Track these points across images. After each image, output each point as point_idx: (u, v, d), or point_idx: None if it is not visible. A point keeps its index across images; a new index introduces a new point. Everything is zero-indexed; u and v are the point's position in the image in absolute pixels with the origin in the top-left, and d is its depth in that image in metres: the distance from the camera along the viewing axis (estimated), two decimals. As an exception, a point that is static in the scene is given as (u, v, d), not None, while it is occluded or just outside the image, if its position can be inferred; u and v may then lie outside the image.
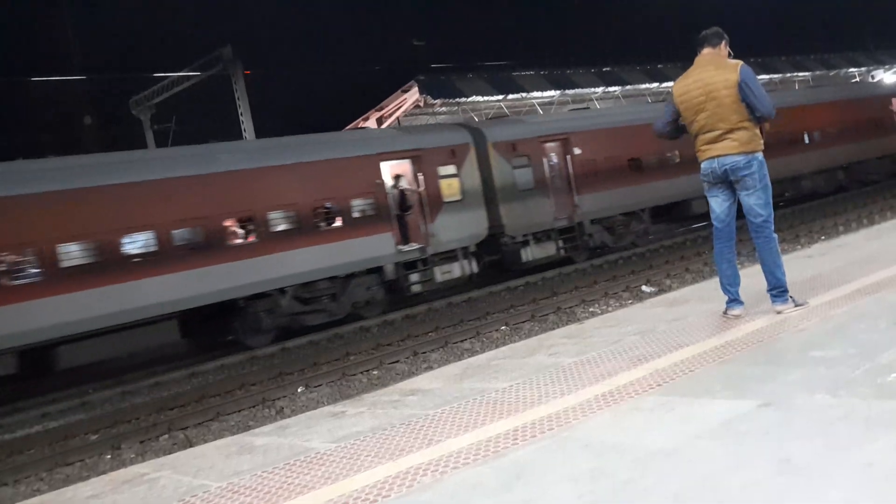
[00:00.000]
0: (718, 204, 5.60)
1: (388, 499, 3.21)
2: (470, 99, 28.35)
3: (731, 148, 5.36)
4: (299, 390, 12.02)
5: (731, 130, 5.35)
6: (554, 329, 9.93)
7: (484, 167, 19.52)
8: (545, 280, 19.27)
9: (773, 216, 5.45)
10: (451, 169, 18.87)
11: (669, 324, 5.77)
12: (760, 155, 5.42)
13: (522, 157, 20.22)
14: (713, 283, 6.36)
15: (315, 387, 12.13)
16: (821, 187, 27.58)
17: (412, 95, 27.40)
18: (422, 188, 18.37)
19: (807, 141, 27.82)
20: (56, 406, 13.09)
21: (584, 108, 27.60)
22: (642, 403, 3.87)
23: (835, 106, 28.96)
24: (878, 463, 2.64)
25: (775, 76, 36.65)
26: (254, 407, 11.52)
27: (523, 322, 14.39)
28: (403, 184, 18.27)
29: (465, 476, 3.30)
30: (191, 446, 8.34)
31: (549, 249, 20.34)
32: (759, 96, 5.28)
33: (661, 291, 14.47)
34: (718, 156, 5.42)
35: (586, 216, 21.06)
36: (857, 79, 40.46)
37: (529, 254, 19.91)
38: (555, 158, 20.93)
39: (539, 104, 30.60)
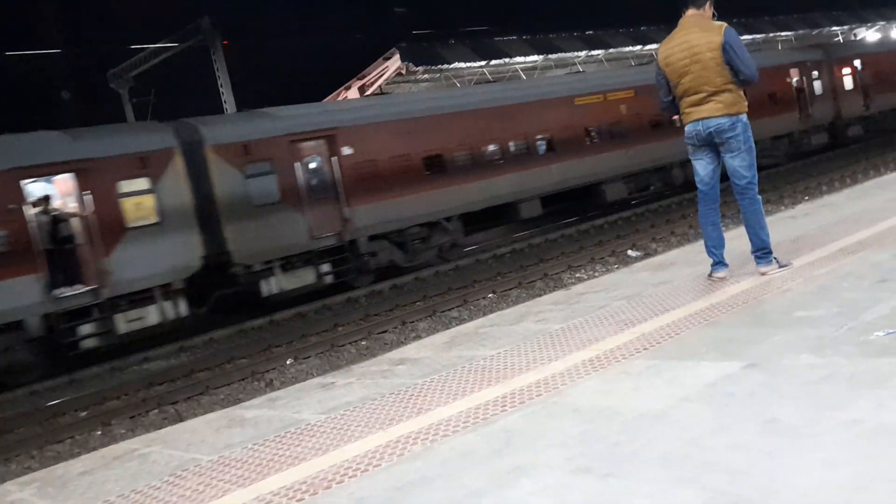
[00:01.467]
0: (703, 167, 5.60)
1: (379, 468, 3.23)
2: (452, 66, 28.13)
3: (715, 110, 5.36)
4: (288, 362, 12.04)
5: (715, 93, 5.34)
6: (541, 296, 9.98)
7: (198, 178, 15.08)
8: (532, 247, 19.30)
9: (757, 178, 5.46)
10: (140, 183, 14.38)
11: (655, 288, 5.80)
12: (745, 117, 5.42)
13: (261, 162, 15.81)
14: (698, 246, 6.39)
15: (304, 359, 12.16)
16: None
17: (394, 63, 27.16)
18: (88, 211, 13.77)
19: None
20: (45, 384, 13.06)
21: (373, 98, 22.93)
22: (630, 367, 3.90)
23: None
24: (863, 421, 2.67)
25: (758, 36, 36.54)
26: (243, 380, 11.55)
27: (510, 289, 14.44)
28: (57, 206, 14.15)
29: (456, 443, 3.33)
30: (181, 421, 8.36)
31: (305, 277, 16.14)
32: (742, 59, 5.26)
33: (646, 255, 14.53)
34: (703, 118, 5.41)
35: (362, 232, 16.94)
36: (840, 38, 40.38)
37: (275, 285, 15.66)
38: (314, 162, 16.73)
39: (522, 69, 30.41)
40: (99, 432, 10.21)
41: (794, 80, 27.33)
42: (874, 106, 29.81)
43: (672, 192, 23.95)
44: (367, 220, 17.04)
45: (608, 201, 21.80)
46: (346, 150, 16.92)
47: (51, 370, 13.41)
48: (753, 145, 5.48)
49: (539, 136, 20.74)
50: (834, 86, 28.58)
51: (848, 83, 29.05)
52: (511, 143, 20.11)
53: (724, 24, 5.33)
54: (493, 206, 19.53)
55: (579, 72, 28.77)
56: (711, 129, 5.39)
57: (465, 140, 19.08)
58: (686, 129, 5.56)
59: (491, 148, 19.75)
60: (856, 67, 29.56)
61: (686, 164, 21.32)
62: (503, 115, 19.75)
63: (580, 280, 13.35)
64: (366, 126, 17.45)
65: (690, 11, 5.50)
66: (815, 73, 28.01)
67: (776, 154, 26.14)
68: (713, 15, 5.53)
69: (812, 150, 27.80)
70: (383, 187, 17.31)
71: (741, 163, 5.40)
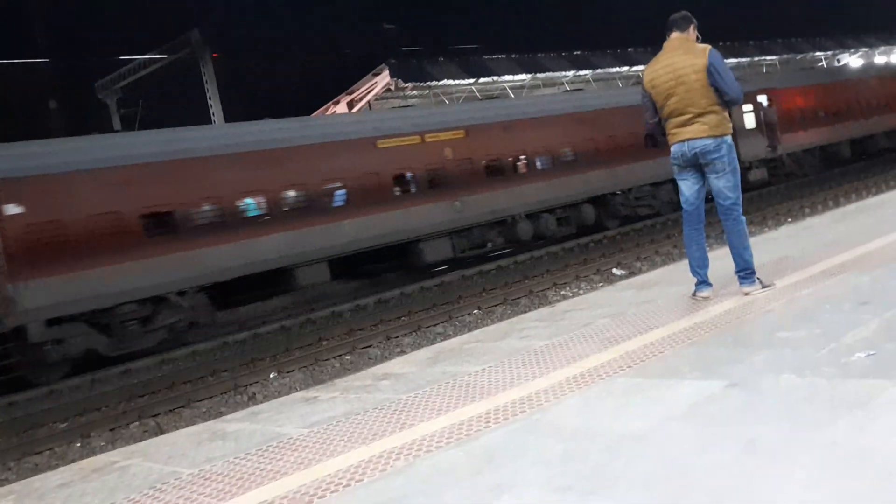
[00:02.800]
0: (688, 187, 5.66)
1: (361, 483, 3.22)
2: (441, 83, 28.26)
3: (700, 131, 5.42)
4: (271, 376, 11.97)
5: (700, 114, 5.40)
6: (526, 312, 9.97)
7: None
8: (517, 264, 19.34)
9: (741, 199, 5.53)
10: None
11: (639, 306, 5.83)
12: (729, 138, 5.49)
13: None
14: (682, 266, 6.43)
15: (287, 372, 12.10)
16: (555, 232, 21.07)
17: (383, 79, 27.27)
18: None
19: (531, 167, 20.96)
20: (23, 395, 12.90)
21: (72, 140, 15.94)
22: (612, 386, 3.91)
23: (564, 121, 21.92)
24: (842, 442, 2.69)
25: (743, 60, 36.98)
26: (225, 393, 11.46)
27: (495, 306, 14.44)
28: None
29: (438, 460, 3.32)
30: (162, 433, 8.30)
31: None
32: (727, 81, 5.34)
33: (631, 274, 14.59)
34: (688, 139, 5.47)
35: (35, 314, 13.01)
36: (824, 63, 40.94)
37: None
38: None
39: (510, 88, 30.60)
40: (78, 444, 10.09)
41: None
42: (783, 147, 26.85)
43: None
44: (46, 298, 13.06)
45: (428, 262, 18.51)
46: (16, 210, 13.06)
47: (30, 381, 13.26)
48: (738, 166, 5.55)
49: (325, 186, 17.04)
50: (734, 125, 27.64)
51: (749, 121, 25.77)
52: (284, 194, 16.48)
53: (709, 47, 5.41)
54: (259, 273, 15.82)
55: (400, 107, 24.24)
56: (696, 150, 5.45)
57: (210, 191, 15.30)
58: (672, 149, 5.63)
59: (253, 200, 16.01)
60: (759, 104, 26.58)
61: (536, 216, 20.09)
62: (271, 160, 16.15)
63: (565, 297, 13.38)
64: (50, 176, 13.54)
65: (675, 35, 5.58)
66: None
67: (654, 203, 23.24)
68: (697, 38, 5.61)
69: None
70: (76, 255, 13.44)
71: (726, 183, 5.47)
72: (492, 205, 19.43)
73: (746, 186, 24.66)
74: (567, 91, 28.02)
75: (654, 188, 23.23)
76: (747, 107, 25.66)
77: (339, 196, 17.31)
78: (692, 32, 5.58)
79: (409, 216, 18.04)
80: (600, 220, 22.24)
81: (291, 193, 16.68)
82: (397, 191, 18.36)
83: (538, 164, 21.08)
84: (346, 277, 18.54)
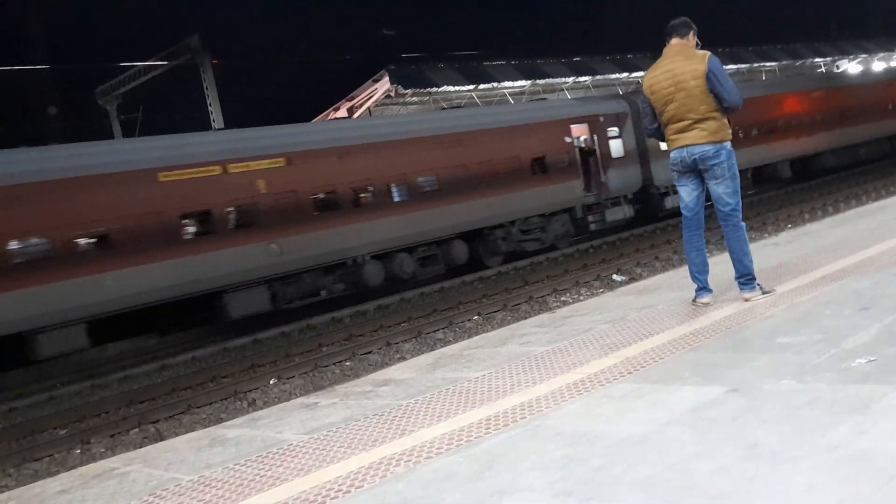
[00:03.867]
0: (688, 193, 5.66)
1: (362, 489, 3.22)
2: (441, 89, 28.30)
3: (700, 137, 5.43)
4: (271, 382, 11.96)
5: (699, 120, 5.41)
6: (526, 318, 10.00)
7: None
8: (517, 270, 19.34)
9: (741, 205, 5.53)
10: None
11: (640, 312, 5.83)
12: (729, 144, 5.50)
13: None
14: (682, 272, 6.43)
15: (287, 378, 12.08)
16: (417, 273, 18.41)
17: (383, 85, 27.28)
18: None
19: (378, 200, 17.79)
20: (23, 401, 12.89)
21: None
22: (613, 391, 3.91)
23: (424, 145, 18.72)
24: (842, 447, 2.69)
25: (742, 66, 37.03)
26: (225, 399, 11.45)
27: (495, 311, 14.44)
28: None
29: (438, 465, 3.32)
30: (162, 440, 8.29)
31: None
32: (726, 87, 5.35)
33: (631, 280, 14.60)
34: (687, 145, 5.48)
35: None
36: (823, 69, 40.99)
37: None
38: None
39: (510, 94, 30.64)
40: (78, 451, 10.07)
41: (580, 138, 21.92)
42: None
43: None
44: None
45: (238, 316, 15.49)
46: None
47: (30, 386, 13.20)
48: (738, 172, 5.55)
49: (78, 230, 13.61)
50: (645, 146, 22.78)
51: (616, 147, 23.09)
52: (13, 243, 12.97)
53: (708, 53, 5.42)
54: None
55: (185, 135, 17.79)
56: (696, 156, 5.46)
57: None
58: (671, 155, 5.64)
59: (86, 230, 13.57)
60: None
61: (390, 257, 17.49)
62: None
63: (565, 303, 13.38)
64: None
65: (674, 41, 5.59)
66: (614, 129, 22.48)
67: (544, 236, 20.71)
68: (697, 44, 5.62)
69: (610, 227, 22.37)
70: None
71: (725, 189, 5.47)
72: (323, 246, 16.32)
73: (664, 212, 23.16)
74: (444, 109, 24.59)
75: (544, 219, 20.59)
76: (613, 130, 22.61)
77: (101, 242, 13.96)
78: (692, 39, 5.59)
79: (201, 263, 14.79)
80: (478, 257, 19.54)
81: (29, 241, 13.20)
82: (187, 233, 15.13)
83: (389, 195, 17.87)
84: (121, 339, 15.64)
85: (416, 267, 18.19)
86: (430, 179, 18.59)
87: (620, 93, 28.16)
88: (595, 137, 22.06)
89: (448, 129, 19.29)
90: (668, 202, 23.33)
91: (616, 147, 22.52)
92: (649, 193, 23.45)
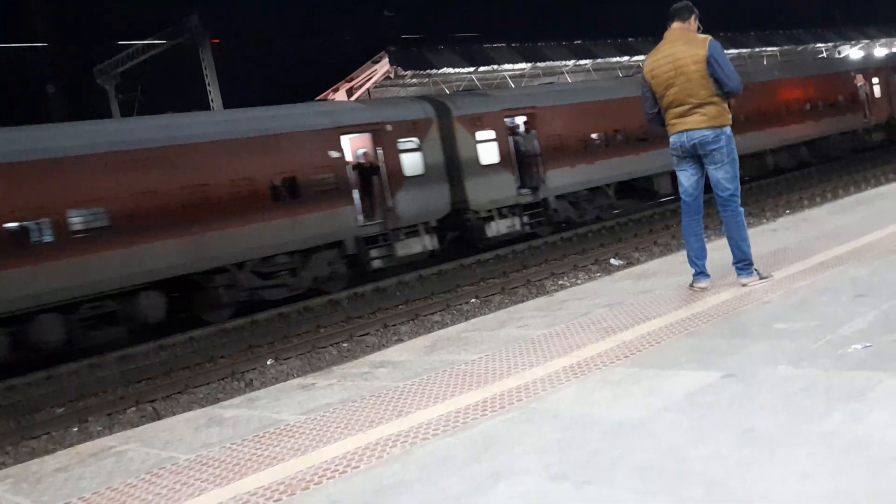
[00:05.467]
0: (686, 178, 5.65)
1: (358, 470, 3.23)
2: (441, 71, 28.16)
3: (699, 122, 5.41)
4: (269, 363, 11.99)
5: (699, 105, 5.39)
6: (524, 301, 10.00)
7: None
8: (515, 253, 19.34)
9: (739, 190, 5.52)
10: None
11: (637, 296, 5.83)
12: (728, 129, 5.48)
13: None
14: (680, 257, 6.43)
15: (285, 359, 12.12)
16: (86, 339, 13.82)
17: (382, 67, 27.15)
18: None
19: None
20: (21, 379, 12.91)
21: None
22: (610, 375, 3.92)
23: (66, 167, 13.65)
24: (838, 433, 2.70)
25: (744, 51, 36.86)
26: (223, 379, 11.49)
27: (493, 295, 14.46)
28: None
29: (435, 447, 3.33)
30: (159, 419, 8.31)
31: None
32: (727, 72, 5.32)
33: (629, 264, 14.61)
34: (687, 130, 5.46)
35: None
36: (825, 54, 40.79)
37: None
38: None
39: (510, 76, 30.51)
40: (75, 429, 10.12)
41: (359, 152, 17.98)
42: (549, 188, 20.44)
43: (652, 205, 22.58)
44: None
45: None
46: None
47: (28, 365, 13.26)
48: (737, 157, 5.54)
49: None
50: (457, 160, 18.88)
51: (489, 154, 19.41)
52: None
53: (709, 38, 5.39)
54: None
55: None
56: (695, 141, 5.44)
57: None
58: (671, 140, 5.62)
59: None
60: (510, 127, 20.25)
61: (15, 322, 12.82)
62: None
63: (563, 287, 13.39)
64: None
65: (676, 24, 5.56)
66: (411, 140, 18.27)
67: (300, 280, 16.39)
68: (698, 28, 5.59)
69: (406, 262, 18.15)
70: None
71: (724, 175, 5.46)
72: (101, 270, 13.48)
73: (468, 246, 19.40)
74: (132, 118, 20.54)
75: (296, 259, 16.27)
76: (487, 134, 19.52)
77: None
78: (693, 23, 5.56)
79: None
80: (194, 311, 15.47)
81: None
82: None
83: (25, 236, 13.33)
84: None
85: (76, 331, 13.54)
86: (93, 213, 13.87)
87: (441, 94, 22.67)
88: (380, 151, 17.77)
89: (133, 144, 14.42)
90: (492, 228, 19.24)
91: (412, 163, 18.17)
92: (464, 219, 19.05)
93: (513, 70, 30.27)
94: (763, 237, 7.32)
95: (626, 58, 32.79)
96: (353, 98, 26.77)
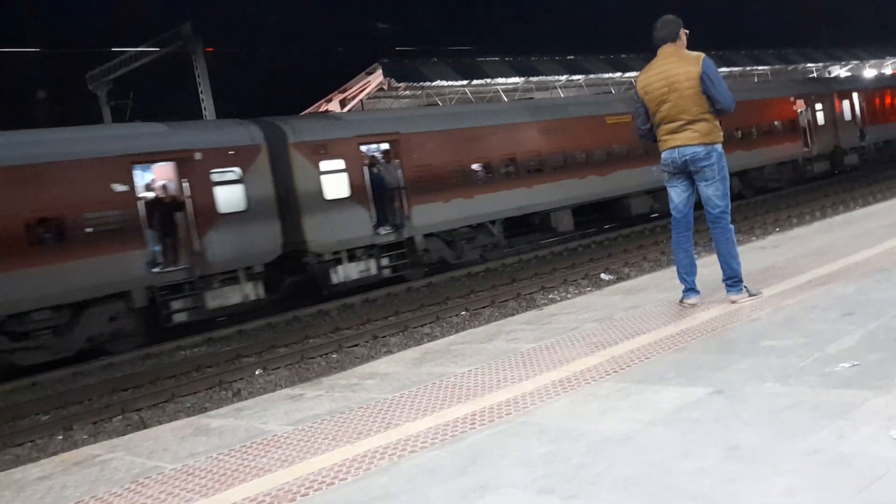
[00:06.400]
0: (677, 194, 5.68)
1: (345, 482, 3.22)
2: (434, 83, 28.26)
3: (691, 139, 5.45)
4: (257, 373, 11.93)
5: (691, 122, 5.43)
6: (513, 315, 10.00)
7: None
8: (505, 266, 19.35)
9: (730, 207, 5.56)
10: None
11: (627, 311, 5.85)
12: (720, 146, 5.52)
13: None
14: (670, 272, 6.46)
15: (273, 369, 12.06)
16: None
17: (376, 78, 27.21)
18: None
19: None
20: (4, 386, 12.81)
21: None
22: (598, 390, 3.93)
23: None
24: (823, 450, 2.72)
25: (735, 69, 37.17)
26: (210, 389, 11.41)
27: (483, 307, 14.45)
28: None
29: (422, 460, 3.32)
30: (145, 428, 8.25)
31: None
32: (719, 89, 5.37)
33: (619, 279, 14.64)
34: (679, 146, 5.50)
35: None
36: (815, 74, 41.15)
37: None
38: None
39: (503, 90, 30.63)
40: (60, 437, 10.02)
41: (162, 184, 15.36)
42: (414, 227, 17.98)
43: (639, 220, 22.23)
44: None
45: None
46: None
47: (12, 372, 13.15)
48: (727, 175, 5.58)
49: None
50: (293, 193, 16.26)
51: (336, 188, 16.77)
52: None
53: (702, 55, 5.44)
54: None
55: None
56: (687, 157, 5.48)
57: None
58: (662, 156, 5.66)
59: None
60: (364, 156, 17.79)
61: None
62: None
63: (553, 301, 13.40)
64: None
65: (667, 46, 5.61)
66: (231, 171, 15.55)
67: (69, 342, 13.70)
68: (685, 34, 5.62)
69: (225, 315, 15.67)
70: None
71: (715, 191, 5.50)
72: None
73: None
74: None
75: (61, 315, 13.54)
76: (334, 164, 16.80)
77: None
78: (682, 38, 5.60)
79: None
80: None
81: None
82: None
83: None
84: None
85: None
86: None
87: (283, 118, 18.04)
88: (187, 184, 15.01)
89: None
90: (339, 273, 16.68)
91: (231, 197, 15.38)
92: (302, 263, 16.47)
93: (506, 84, 30.41)
94: (752, 254, 7.36)
95: (618, 74, 33.01)
96: (345, 109, 26.82)
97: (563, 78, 31.78)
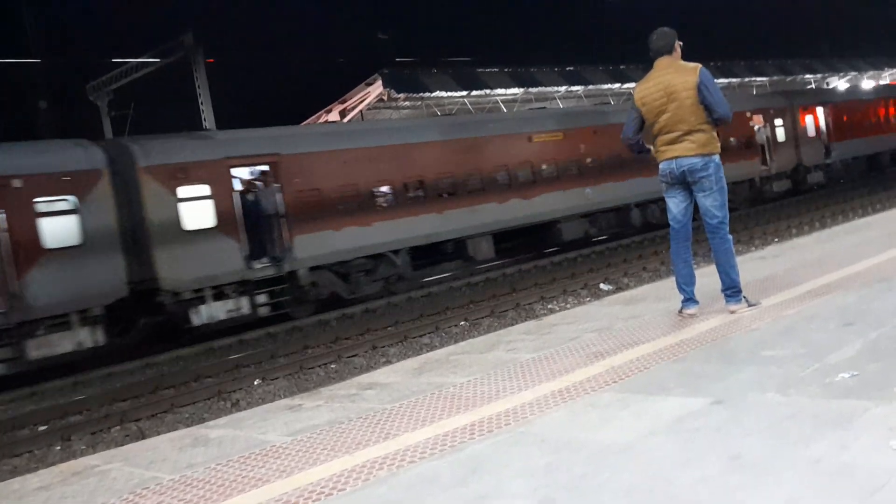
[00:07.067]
0: (675, 205, 5.69)
1: (344, 492, 3.20)
2: (434, 94, 28.32)
3: (688, 149, 5.46)
4: (256, 383, 11.91)
5: (689, 132, 5.44)
6: (513, 325, 9.99)
7: None
8: (505, 276, 19.35)
9: (728, 217, 5.56)
10: None
11: (626, 321, 5.84)
12: (717, 157, 5.53)
13: None
14: (669, 283, 6.45)
15: (272, 380, 12.04)
16: None
17: (376, 89, 27.26)
18: None
19: None
20: (4, 396, 12.78)
21: None
22: (598, 400, 3.92)
23: None
24: (824, 460, 2.71)
25: (734, 80, 37.26)
26: (209, 399, 11.39)
27: (483, 317, 14.44)
28: None
29: (422, 470, 3.31)
30: (143, 438, 8.23)
31: None
32: (716, 99, 5.39)
33: (618, 289, 14.64)
34: (676, 157, 5.51)
35: None
36: (813, 85, 41.26)
37: None
38: None
39: (503, 101, 30.70)
40: (58, 447, 9.99)
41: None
42: (294, 258, 16.03)
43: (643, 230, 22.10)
44: None
45: None
46: None
47: (11, 382, 13.10)
48: (725, 185, 5.58)
49: None
50: (142, 224, 14.38)
51: (198, 216, 14.90)
52: None
53: (699, 66, 5.46)
54: None
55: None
56: (684, 168, 5.49)
57: None
58: (660, 167, 5.67)
59: None
60: (235, 180, 15.68)
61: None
62: None
63: (552, 311, 13.39)
64: None
65: (663, 58, 5.63)
66: (62, 201, 13.74)
67: None
68: (680, 45, 5.64)
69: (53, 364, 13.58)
70: None
71: (713, 202, 5.50)
72: None
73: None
74: None
75: None
76: (196, 189, 14.90)
77: None
78: (677, 49, 5.62)
79: None
80: None
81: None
82: None
83: None
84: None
85: None
86: None
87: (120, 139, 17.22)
88: (3, 215, 13.03)
89: None
90: (201, 314, 14.76)
91: (61, 230, 13.55)
92: (156, 303, 14.54)
93: (505, 95, 30.48)
94: (752, 264, 7.36)
95: (617, 84, 33.09)
96: (345, 119, 26.87)
97: (563, 88, 31.86)
